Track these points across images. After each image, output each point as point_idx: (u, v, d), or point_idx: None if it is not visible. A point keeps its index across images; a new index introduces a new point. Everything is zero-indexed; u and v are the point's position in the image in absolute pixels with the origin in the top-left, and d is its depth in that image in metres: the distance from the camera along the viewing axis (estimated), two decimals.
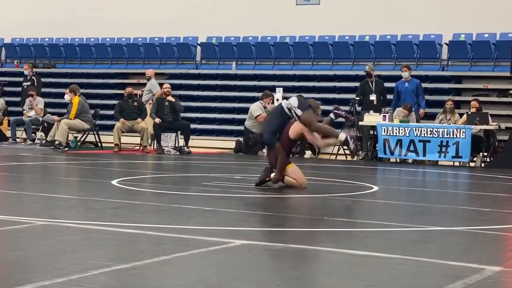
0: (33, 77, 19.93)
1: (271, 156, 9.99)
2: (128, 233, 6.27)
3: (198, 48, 21.14)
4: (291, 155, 14.60)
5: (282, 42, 20.24)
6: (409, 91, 16.49)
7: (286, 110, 9.95)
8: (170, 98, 17.03)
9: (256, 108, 16.46)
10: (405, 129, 15.56)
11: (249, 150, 10.08)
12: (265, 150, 10.06)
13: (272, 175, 9.96)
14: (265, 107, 16.41)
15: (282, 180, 9.95)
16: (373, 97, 16.71)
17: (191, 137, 17.54)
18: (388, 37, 19.35)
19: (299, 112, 9.84)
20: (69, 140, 17.26)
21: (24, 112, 19.06)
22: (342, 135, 10.07)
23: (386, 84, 17.25)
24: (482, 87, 17.94)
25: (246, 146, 10.01)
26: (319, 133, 10.09)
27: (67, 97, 17.46)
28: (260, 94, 17.64)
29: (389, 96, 17.03)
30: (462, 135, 15.12)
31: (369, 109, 16.53)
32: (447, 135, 15.25)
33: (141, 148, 17.51)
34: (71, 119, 16.99)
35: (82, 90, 18.23)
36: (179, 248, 5.66)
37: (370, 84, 16.83)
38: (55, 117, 17.63)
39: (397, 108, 16.36)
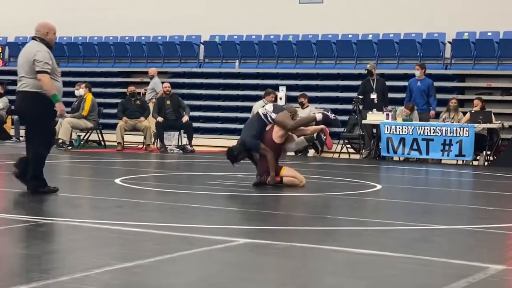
0: None
1: (261, 164, 10.01)
2: (131, 231, 6.27)
3: (201, 46, 21.15)
4: (294, 154, 14.65)
5: (285, 40, 20.23)
6: (420, 90, 16.40)
7: (262, 116, 10.14)
8: (185, 118, 17.03)
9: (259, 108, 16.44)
10: (408, 128, 15.55)
11: (235, 160, 10.14)
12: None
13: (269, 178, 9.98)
14: None
15: (281, 182, 9.98)
16: (373, 95, 16.69)
17: (195, 135, 17.56)
18: (391, 35, 19.33)
19: (273, 115, 10.08)
20: (73, 139, 17.28)
21: None
22: (319, 114, 10.38)
23: (389, 83, 17.24)
24: (486, 86, 17.93)
25: (232, 156, 10.09)
26: (299, 128, 10.29)
27: (81, 92, 17.43)
28: (263, 93, 17.64)
29: (391, 95, 17.03)
30: (466, 134, 15.11)
31: (370, 107, 16.50)
32: (450, 133, 15.24)
33: (144, 146, 17.52)
34: (84, 115, 17.04)
35: None
36: (183, 246, 5.67)
37: (371, 82, 16.81)
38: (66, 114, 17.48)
39: (400, 107, 16.35)
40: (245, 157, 10.12)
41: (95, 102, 17.46)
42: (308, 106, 17.60)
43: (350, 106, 17.52)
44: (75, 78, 21.15)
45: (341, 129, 17.49)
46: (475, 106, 16.01)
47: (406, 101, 16.48)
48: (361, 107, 16.85)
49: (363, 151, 16.74)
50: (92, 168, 13.02)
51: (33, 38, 8.59)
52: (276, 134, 10.01)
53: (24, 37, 23.36)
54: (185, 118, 17.10)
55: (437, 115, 16.57)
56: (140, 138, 17.84)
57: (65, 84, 20.33)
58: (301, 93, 18.04)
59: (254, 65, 20.39)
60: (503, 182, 12.24)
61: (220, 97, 20.22)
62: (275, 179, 9.90)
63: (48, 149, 8.62)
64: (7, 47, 23.43)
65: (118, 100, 18.87)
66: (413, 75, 16.87)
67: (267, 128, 10.08)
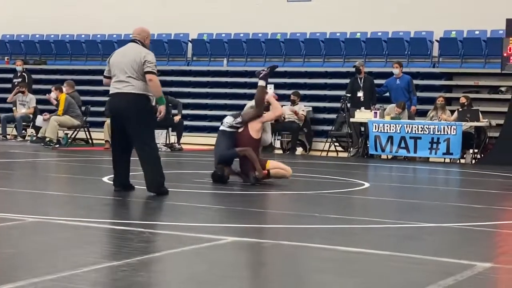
0: (23, 74, 19.88)
1: (244, 164, 10.02)
2: (119, 230, 6.26)
3: (189, 44, 21.12)
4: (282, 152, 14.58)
5: (273, 39, 20.24)
6: (400, 88, 16.49)
7: (228, 129, 10.15)
8: (177, 118, 16.98)
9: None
10: (396, 126, 15.58)
11: (223, 179, 10.05)
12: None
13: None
14: None
15: (268, 175, 9.99)
16: (360, 93, 16.71)
17: (182, 133, 17.53)
18: (379, 34, 19.36)
19: (239, 119, 10.18)
20: (60, 137, 17.21)
21: (13, 108, 19.02)
22: (261, 81, 10.91)
23: (377, 81, 17.26)
24: (473, 84, 17.99)
25: (219, 177, 10.00)
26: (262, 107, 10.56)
27: (53, 95, 17.46)
28: (251, 91, 17.60)
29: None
30: (453, 132, 15.16)
31: (358, 106, 16.52)
32: (438, 132, 15.28)
33: None
34: (59, 115, 16.98)
35: None
36: (170, 245, 5.65)
37: (359, 81, 16.83)
38: (46, 115, 17.42)
39: (390, 105, 16.38)
40: (231, 173, 10.08)
41: (71, 100, 17.24)
42: (298, 104, 17.66)
43: (338, 104, 17.54)
44: (62, 76, 21.08)
45: (329, 127, 17.53)
46: (461, 102, 16.11)
47: (381, 90, 16.62)
48: (349, 105, 16.86)
49: (351, 149, 16.76)
50: (80, 166, 12.98)
51: (133, 40, 8.71)
52: (253, 129, 10.07)
53: (11, 34, 23.26)
54: (178, 118, 17.05)
55: (425, 113, 16.62)
56: None
57: (53, 82, 20.44)
58: (293, 91, 18.06)
59: (242, 63, 20.38)
60: (490, 180, 12.29)
61: (208, 95, 20.20)
62: (262, 172, 9.88)
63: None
64: None
65: (105, 98, 18.76)
66: (403, 73, 16.86)
67: (240, 131, 10.11)
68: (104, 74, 8.87)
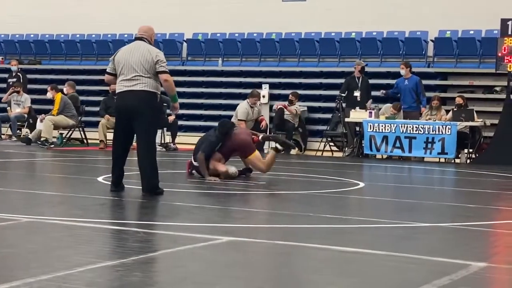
0: (18, 74, 19.84)
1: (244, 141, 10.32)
2: (114, 230, 6.25)
3: (184, 44, 21.11)
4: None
5: (268, 38, 20.24)
6: (408, 89, 16.43)
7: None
8: (171, 118, 16.97)
9: (242, 110, 16.33)
10: (391, 126, 15.60)
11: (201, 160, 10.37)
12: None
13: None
14: (251, 107, 16.44)
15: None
16: (357, 93, 16.71)
17: (177, 133, 17.52)
18: (374, 33, 19.37)
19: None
20: (55, 137, 17.17)
21: (8, 108, 18.99)
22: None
23: (372, 81, 17.28)
24: (468, 84, 18.01)
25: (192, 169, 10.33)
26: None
27: (49, 95, 17.43)
28: (246, 91, 17.61)
29: (374, 93, 17.06)
30: (448, 132, 15.18)
31: (353, 105, 16.52)
32: (432, 131, 15.30)
33: None
34: (53, 115, 16.94)
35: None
36: (166, 244, 5.65)
37: (357, 80, 16.84)
38: (42, 116, 17.36)
39: (385, 105, 16.38)
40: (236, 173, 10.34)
41: (67, 100, 17.20)
42: (295, 104, 17.68)
43: (333, 104, 17.55)
44: (57, 76, 21.05)
45: (324, 127, 17.53)
46: (456, 103, 16.12)
47: (391, 92, 16.54)
48: (344, 105, 16.87)
49: (346, 149, 16.77)
50: (75, 166, 12.96)
51: (140, 38, 8.60)
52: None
53: (5, 34, 23.22)
54: (172, 118, 17.02)
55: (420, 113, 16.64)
56: None
57: (47, 82, 20.42)
58: (292, 91, 18.08)
59: (237, 63, 20.37)
60: (485, 179, 12.31)
61: (203, 95, 20.19)
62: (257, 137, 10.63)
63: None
64: None
65: (100, 98, 18.77)
66: (396, 73, 16.91)
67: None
68: (108, 70, 8.70)
